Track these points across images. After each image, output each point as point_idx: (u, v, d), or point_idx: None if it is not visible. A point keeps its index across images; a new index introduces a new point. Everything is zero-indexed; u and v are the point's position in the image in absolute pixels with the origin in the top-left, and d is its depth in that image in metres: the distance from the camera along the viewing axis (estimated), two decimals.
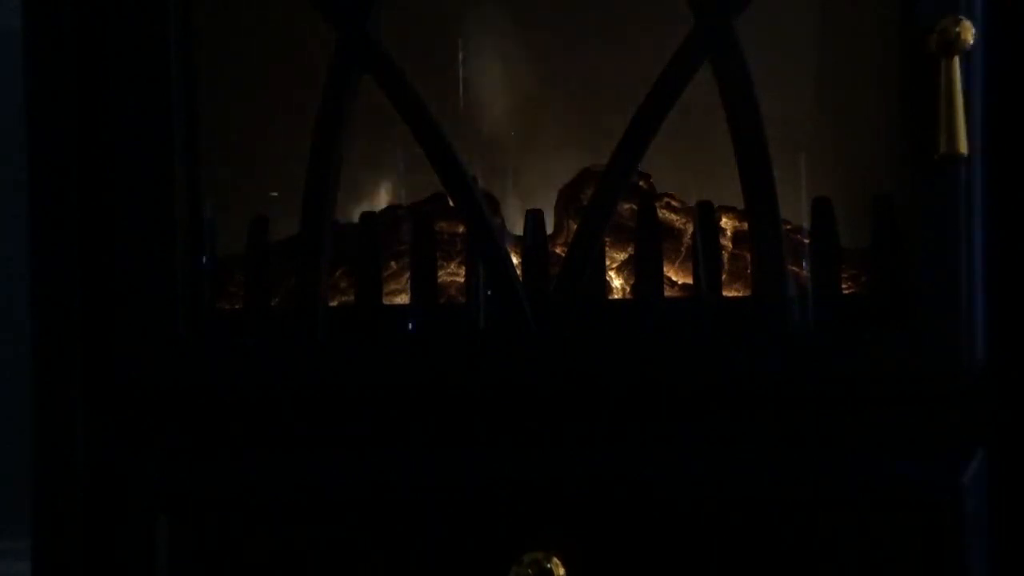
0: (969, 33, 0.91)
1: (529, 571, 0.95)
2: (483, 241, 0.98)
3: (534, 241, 1.01)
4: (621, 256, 1.06)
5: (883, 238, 0.99)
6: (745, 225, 1.01)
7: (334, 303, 1.03)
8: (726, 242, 1.04)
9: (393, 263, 1.05)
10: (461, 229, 1.04)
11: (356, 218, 1.05)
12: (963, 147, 0.91)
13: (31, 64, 0.99)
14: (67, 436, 0.99)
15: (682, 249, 1.05)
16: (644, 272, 1.00)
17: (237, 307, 1.04)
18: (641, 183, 1.07)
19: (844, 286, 1.01)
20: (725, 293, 1.01)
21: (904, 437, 0.95)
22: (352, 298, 1.03)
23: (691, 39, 0.96)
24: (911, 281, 0.94)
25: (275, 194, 1.11)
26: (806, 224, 1.01)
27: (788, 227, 1.00)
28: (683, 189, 1.08)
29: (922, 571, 0.94)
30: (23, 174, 0.99)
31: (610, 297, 1.04)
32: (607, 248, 1.03)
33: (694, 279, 1.01)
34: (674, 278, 1.05)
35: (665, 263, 1.03)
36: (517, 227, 1.04)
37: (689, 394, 0.96)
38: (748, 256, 1.01)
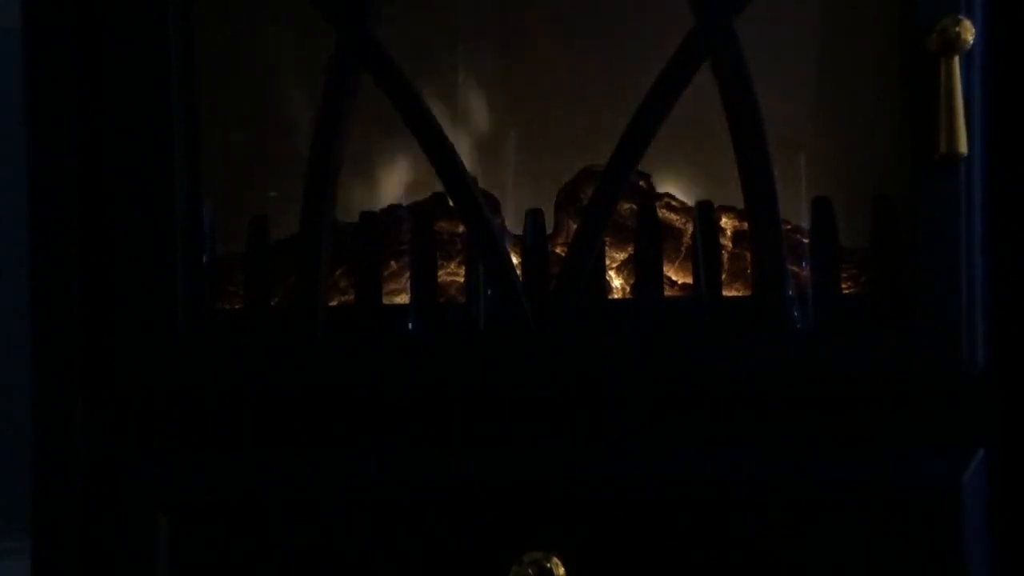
0: (969, 33, 0.91)
1: (529, 571, 0.95)
2: (483, 241, 0.98)
3: (534, 241, 1.01)
4: (621, 256, 1.06)
5: (883, 238, 0.99)
6: (745, 225, 1.01)
7: (334, 303, 1.03)
8: (726, 242, 1.04)
9: (393, 263, 1.05)
10: (461, 229, 1.04)
11: (356, 218, 1.05)
12: (963, 147, 0.91)
13: (31, 64, 0.99)
14: (67, 436, 0.99)
15: (682, 249, 1.05)
16: (644, 272, 1.00)
17: (237, 307, 1.04)
18: (641, 183, 1.07)
19: (844, 286, 1.01)
20: (725, 293, 1.01)
21: (904, 437, 0.95)
22: (352, 298, 1.03)
23: (691, 39, 0.96)
24: (911, 281, 0.94)
25: (275, 194, 1.11)
26: (806, 224, 1.01)
27: (788, 227, 1.00)
28: (683, 189, 1.08)
29: (922, 571, 0.94)
30: (23, 174, 0.99)
31: (610, 297, 1.04)
32: (607, 248, 1.03)
33: (694, 279, 1.01)
34: (674, 278, 1.05)
35: (665, 263, 1.03)
36: (517, 227, 1.04)
37: (689, 394, 0.96)
38: (748, 256, 1.01)
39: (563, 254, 1.02)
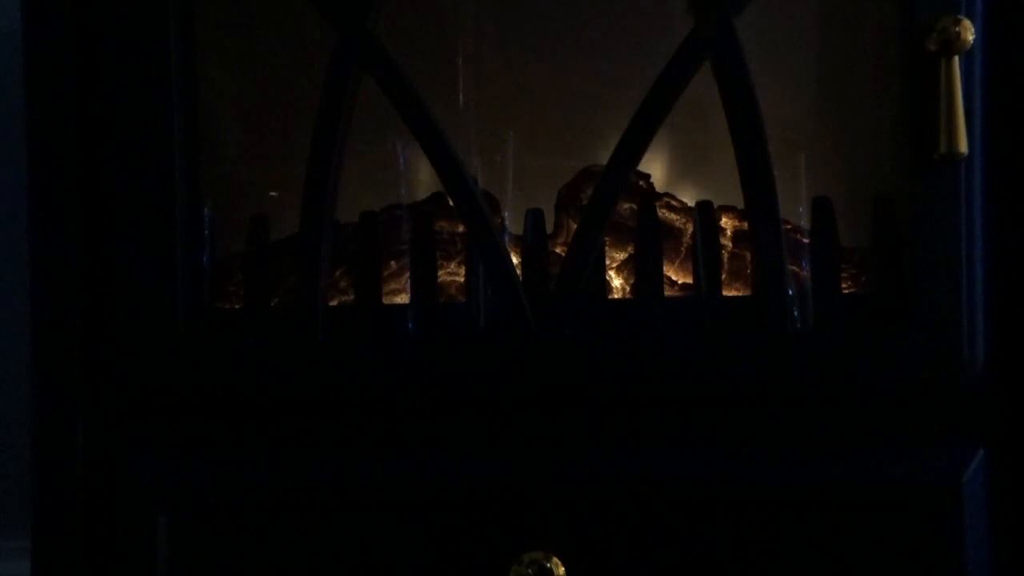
0: (969, 33, 0.91)
1: (529, 571, 0.95)
2: (483, 241, 0.98)
3: (534, 241, 1.01)
4: (621, 256, 1.06)
5: (883, 238, 0.99)
6: (745, 225, 1.01)
7: (334, 303, 1.03)
8: (726, 242, 1.04)
9: (393, 263, 1.05)
10: (461, 229, 1.04)
11: (356, 218, 1.05)
12: (963, 147, 0.91)
13: (31, 64, 0.99)
14: (67, 436, 0.99)
15: (682, 249, 1.05)
16: (644, 272, 1.00)
17: (237, 307, 1.04)
18: (641, 183, 1.07)
19: (844, 286, 1.01)
20: (725, 293, 1.01)
21: (904, 437, 0.95)
22: (352, 298, 1.03)
23: (691, 39, 0.96)
24: (911, 281, 0.94)
25: (275, 194, 1.11)
26: (806, 224, 1.01)
27: (788, 227, 1.00)
28: (683, 189, 1.08)
29: (922, 570, 0.94)
30: (23, 174, 0.99)
31: (610, 297, 1.04)
32: (607, 248, 1.03)
33: (694, 279, 1.01)
34: (674, 278, 1.05)
35: (665, 263, 1.03)
36: (517, 227, 1.04)
37: (689, 394, 0.96)
38: (748, 256, 1.01)
39: (563, 254, 1.02)
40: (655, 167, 1.09)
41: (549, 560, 0.95)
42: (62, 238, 0.99)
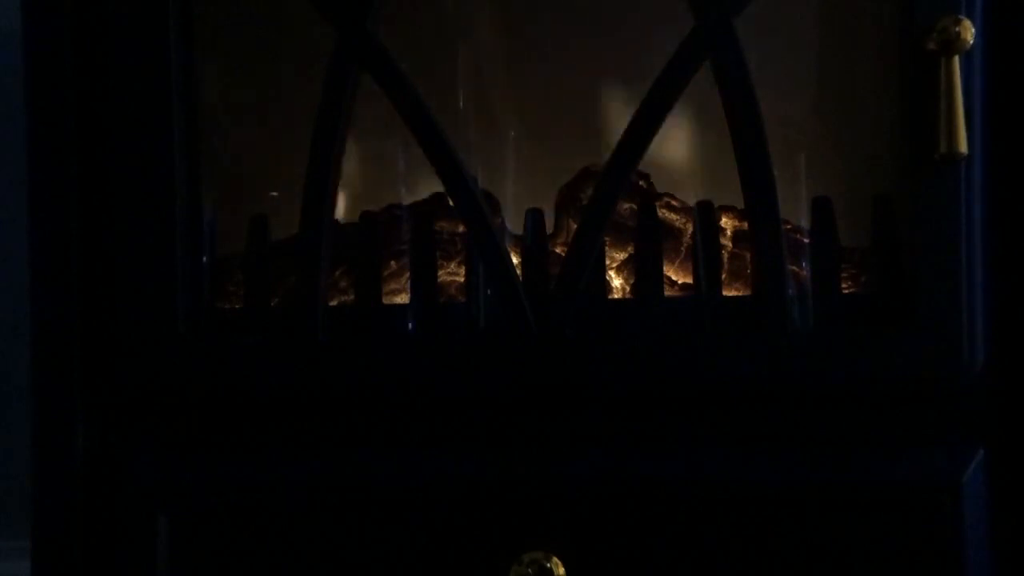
0: (969, 32, 0.91)
1: (529, 571, 0.95)
2: (483, 241, 0.98)
3: (534, 241, 1.01)
4: (621, 256, 1.06)
5: (883, 238, 0.99)
6: (745, 225, 1.01)
7: (334, 303, 1.03)
8: (726, 242, 1.04)
9: (393, 263, 1.05)
10: (461, 229, 1.04)
11: (356, 218, 1.05)
12: (963, 147, 0.91)
13: (31, 64, 0.99)
14: (67, 436, 0.99)
15: (682, 249, 1.05)
16: (644, 272, 1.00)
17: (237, 307, 1.04)
18: (641, 183, 1.07)
19: (844, 286, 1.01)
20: (725, 293, 1.01)
21: (904, 437, 0.95)
22: (352, 298, 1.03)
23: (691, 39, 0.96)
24: (911, 281, 0.94)
25: (275, 194, 1.11)
26: (806, 224, 1.01)
27: (788, 227, 1.00)
28: (683, 189, 1.08)
29: (922, 570, 0.94)
30: (23, 174, 0.99)
31: (610, 297, 1.04)
32: (607, 248, 1.03)
33: (694, 279, 1.01)
34: (674, 278, 1.05)
35: (665, 263, 1.03)
36: (517, 227, 1.04)
37: (689, 394, 0.96)
38: (748, 256, 1.01)
39: (563, 254, 1.02)
40: (654, 167, 1.09)
41: (549, 560, 0.95)
42: (62, 238, 0.99)
